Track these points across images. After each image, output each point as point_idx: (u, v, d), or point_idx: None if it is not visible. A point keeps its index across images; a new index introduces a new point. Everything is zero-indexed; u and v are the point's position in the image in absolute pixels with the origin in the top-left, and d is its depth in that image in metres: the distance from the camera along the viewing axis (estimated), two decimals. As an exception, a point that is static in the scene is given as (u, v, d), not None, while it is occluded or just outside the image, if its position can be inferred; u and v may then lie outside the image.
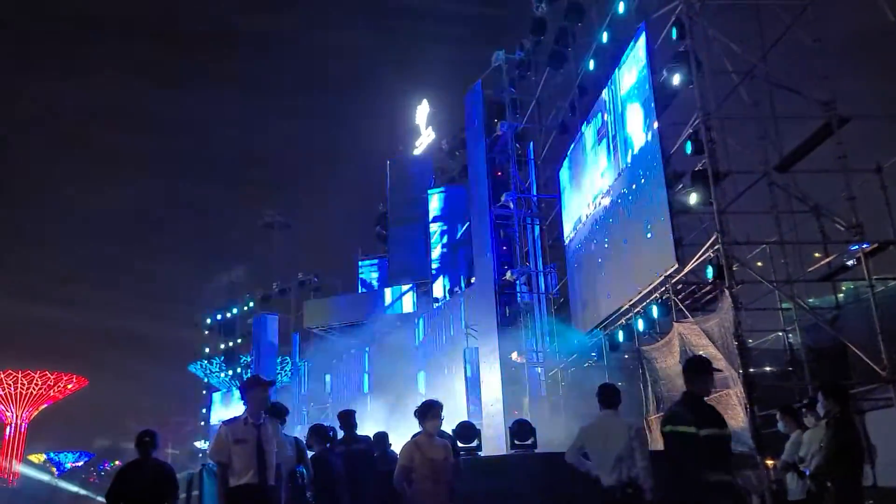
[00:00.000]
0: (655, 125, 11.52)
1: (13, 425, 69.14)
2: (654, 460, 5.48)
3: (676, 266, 10.85)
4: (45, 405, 71.85)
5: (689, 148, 10.66)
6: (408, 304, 29.46)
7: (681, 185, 11.12)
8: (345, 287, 33.61)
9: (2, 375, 67.82)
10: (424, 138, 30.92)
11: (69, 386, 72.52)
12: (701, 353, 10.08)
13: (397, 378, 21.29)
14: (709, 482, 4.08)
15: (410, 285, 29.26)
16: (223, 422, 5.24)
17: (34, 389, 69.61)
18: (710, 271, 9.85)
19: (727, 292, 9.53)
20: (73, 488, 61.46)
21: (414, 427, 6.67)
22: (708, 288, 11.13)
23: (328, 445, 7.24)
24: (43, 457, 72.32)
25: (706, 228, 11.01)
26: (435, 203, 28.78)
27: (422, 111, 31.20)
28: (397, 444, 8.06)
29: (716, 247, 10.03)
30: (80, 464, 72.66)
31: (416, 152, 31.28)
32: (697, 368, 4.59)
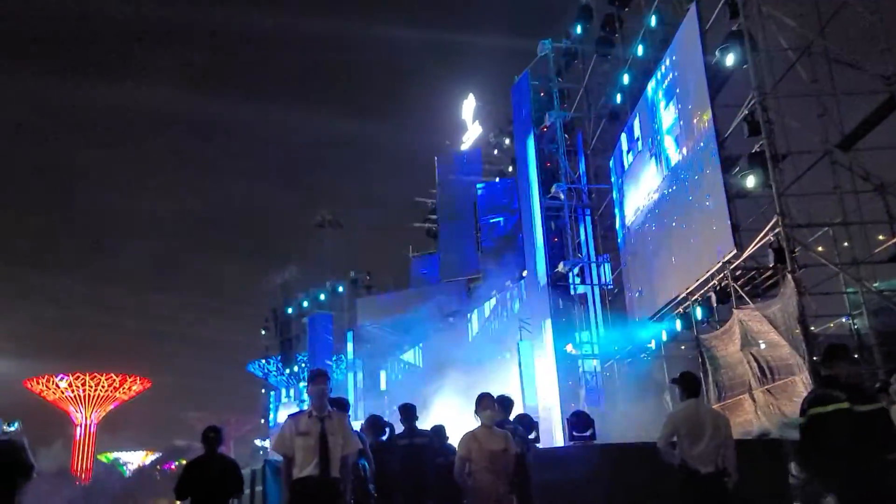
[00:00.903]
0: (709, 107, 11.24)
1: (83, 426, 71.67)
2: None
3: (735, 251, 10.58)
4: (112, 406, 74.29)
5: (745, 129, 10.36)
6: (459, 299, 29.49)
7: (737, 168, 10.82)
8: (396, 284, 33.82)
9: (71, 378, 70.35)
10: (471, 132, 30.85)
11: (134, 387, 74.81)
12: (763, 339, 9.83)
13: (451, 373, 21.30)
14: (886, 460, 4.01)
15: (462, 279, 29.27)
16: (289, 415, 5.35)
17: (101, 391, 72.02)
18: (771, 256, 9.57)
19: (789, 277, 9.24)
20: (141, 486, 63.45)
21: (468, 420, 6.67)
22: (768, 273, 10.81)
23: (383, 438, 7.28)
24: (112, 456, 74.76)
25: (765, 212, 10.70)
26: (484, 197, 28.73)
27: (468, 105, 31.14)
28: (453, 438, 8.09)
29: (776, 230, 9.74)
30: (147, 463, 74.83)
31: (464, 147, 31.24)
32: (836, 354, 4.60)
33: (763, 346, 9.82)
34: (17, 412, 6.31)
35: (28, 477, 5.47)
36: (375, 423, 7.34)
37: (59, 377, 70.07)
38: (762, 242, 10.23)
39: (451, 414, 14.55)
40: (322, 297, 35.59)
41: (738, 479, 5.48)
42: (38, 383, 68.79)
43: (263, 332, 42.68)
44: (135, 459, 75.03)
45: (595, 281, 18.28)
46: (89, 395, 71.75)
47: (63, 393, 70.41)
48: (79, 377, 70.93)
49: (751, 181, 10.24)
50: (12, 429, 6.32)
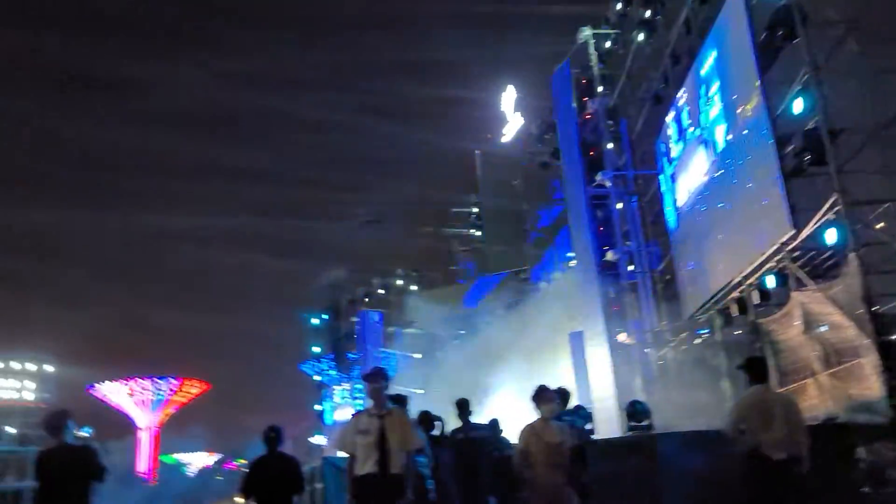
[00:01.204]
0: (759, 85, 10.93)
1: (146, 429, 73.71)
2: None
3: (793, 232, 10.28)
4: (173, 409, 76.24)
5: (797, 107, 10.05)
6: (507, 292, 29.42)
7: (791, 147, 10.49)
8: (443, 279, 33.95)
9: (133, 383, 72.43)
10: (512, 124, 30.66)
11: (193, 390, 76.63)
12: (825, 322, 9.55)
13: (502, 367, 21.24)
14: None
15: (508, 273, 29.21)
16: (352, 414, 5.46)
17: (163, 395, 73.97)
18: (831, 235, 9.27)
19: (852, 256, 8.94)
20: (204, 486, 65.00)
21: (521, 413, 6.64)
22: (828, 253, 10.47)
23: (434, 433, 7.30)
24: (175, 457, 76.77)
25: (822, 191, 10.36)
26: (527, 188, 28.57)
27: (508, 97, 30.94)
28: (507, 431, 8.06)
29: (836, 208, 9.43)
30: (210, 464, 76.66)
31: (505, 139, 31.07)
32: None
33: (826, 328, 9.53)
34: (83, 417, 6.52)
35: (102, 479, 5.67)
36: (425, 419, 7.37)
37: (121, 382, 72.19)
38: (822, 222, 9.91)
39: (504, 407, 14.51)
40: (371, 295, 35.91)
41: (810, 465, 5.35)
42: (101, 388, 70.94)
43: (314, 332, 43.24)
44: (196, 460, 76.97)
45: (645, 268, 18.02)
46: (150, 398, 73.73)
47: (126, 397, 72.50)
48: (139, 382, 72.97)
49: (806, 159, 9.93)
50: (86, 434, 6.57)
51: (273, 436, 6.59)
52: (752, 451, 5.44)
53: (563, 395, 7.29)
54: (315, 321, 42.28)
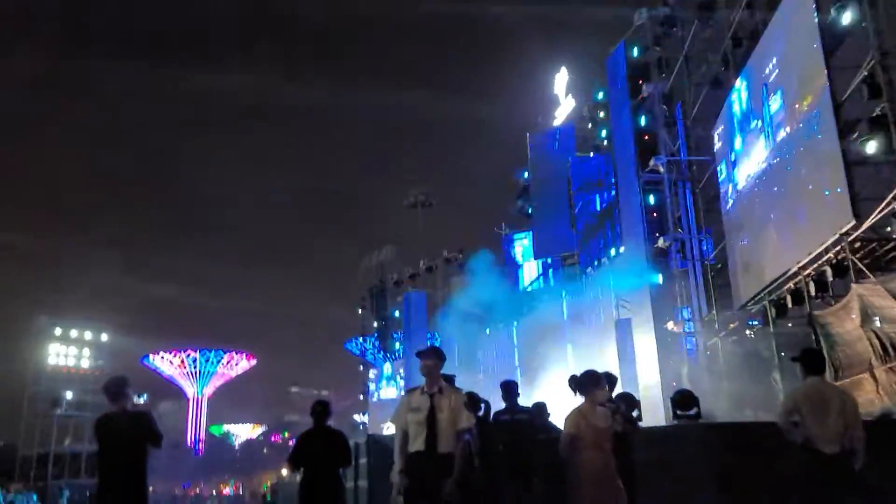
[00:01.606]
0: (824, 70, 10.56)
1: (194, 400, 75.76)
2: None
3: (854, 222, 9.95)
4: (222, 382, 78.16)
5: (863, 93, 9.69)
6: (554, 276, 29.23)
7: (856, 134, 10.13)
8: (490, 262, 33.79)
9: (183, 355, 74.47)
10: (564, 107, 30.30)
11: (241, 363, 78.38)
12: (885, 316, 9.26)
13: (546, 351, 21.17)
14: None
15: (557, 258, 28.98)
16: (406, 390, 5.48)
17: (210, 367, 75.87)
18: (895, 225, 8.95)
19: (916, 247, 8.63)
20: (250, 457, 66.66)
21: (566, 398, 6.59)
22: (891, 245, 10.12)
23: (479, 414, 7.31)
24: (223, 429, 78.79)
25: (886, 179, 10.00)
26: (578, 173, 28.23)
27: (560, 79, 30.57)
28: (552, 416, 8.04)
29: (901, 198, 9.10)
30: (255, 436, 78.45)
31: (557, 122, 30.73)
32: None
33: (885, 322, 9.23)
34: (137, 386, 6.72)
35: (158, 445, 5.85)
36: (471, 400, 7.37)
37: (172, 353, 74.24)
38: (885, 212, 9.57)
39: (548, 391, 14.48)
40: (417, 276, 36.04)
41: (866, 461, 5.20)
42: (153, 359, 73.07)
43: (360, 311, 43.69)
44: (243, 432, 78.82)
45: (697, 256, 17.70)
46: (199, 371, 75.67)
47: (176, 368, 74.55)
48: (190, 353, 74.92)
49: (871, 147, 9.58)
50: (141, 400, 6.77)
51: (320, 410, 6.70)
52: (804, 444, 5.32)
53: (610, 380, 7.21)
54: (361, 301, 42.71)
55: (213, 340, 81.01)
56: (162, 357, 73.69)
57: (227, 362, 77.01)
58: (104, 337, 47.28)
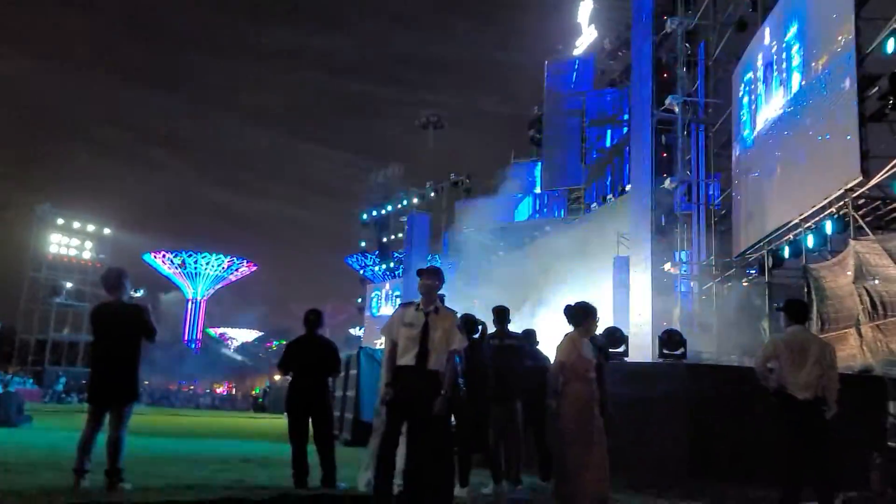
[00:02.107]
0: (852, 18, 10.28)
1: (193, 300, 76.87)
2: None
3: (861, 179, 9.90)
4: (221, 286, 79.11)
5: (889, 46, 9.46)
6: (559, 208, 29.23)
7: (875, 89, 9.96)
8: (496, 189, 33.73)
9: (184, 255, 75.12)
10: (586, 37, 29.64)
11: (240, 269, 79.12)
12: (879, 274, 9.34)
13: (545, 281, 21.39)
14: None
15: (563, 189, 28.91)
16: (400, 304, 5.54)
17: (210, 270, 76.62)
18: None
19: (919, 209, 8.62)
20: (244, 359, 68.18)
21: (560, 328, 6.70)
22: (895, 205, 10.11)
23: (475, 336, 7.42)
24: (220, 331, 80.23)
25: (899, 138, 9.90)
26: (593, 106, 27.84)
27: (585, 7, 29.79)
28: (543, 343, 8.19)
29: (910, 159, 9.03)
30: (251, 340, 79.90)
31: (577, 52, 30.12)
32: None
33: (879, 281, 9.32)
34: (137, 281, 6.78)
35: (151, 338, 5.94)
36: (468, 321, 7.48)
37: (174, 253, 74.87)
38: (893, 171, 9.51)
39: (542, 321, 14.72)
40: (422, 197, 35.99)
41: (836, 410, 5.37)
42: (155, 257, 73.76)
43: (363, 227, 43.82)
44: (239, 336, 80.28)
45: (702, 200, 17.66)
46: (199, 272, 76.47)
47: (177, 268, 75.35)
48: (191, 255, 75.58)
49: (890, 103, 9.43)
50: (138, 294, 6.85)
51: (313, 318, 6.79)
52: (778, 390, 5.48)
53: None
54: (365, 217, 42.77)
55: (216, 244, 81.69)
56: (164, 255, 74.34)
57: (228, 266, 77.73)
58: (107, 231, 47.59)
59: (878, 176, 9.89)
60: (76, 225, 46.22)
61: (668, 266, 16.73)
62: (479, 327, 7.40)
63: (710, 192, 17.74)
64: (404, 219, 36.88)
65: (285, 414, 6.81)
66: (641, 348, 14.36)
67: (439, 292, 5.59)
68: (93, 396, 5.86)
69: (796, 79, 12.43)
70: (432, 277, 5.39)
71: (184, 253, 75.34)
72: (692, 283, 17.01)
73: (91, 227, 46.88)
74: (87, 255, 46.47)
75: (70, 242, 46.02)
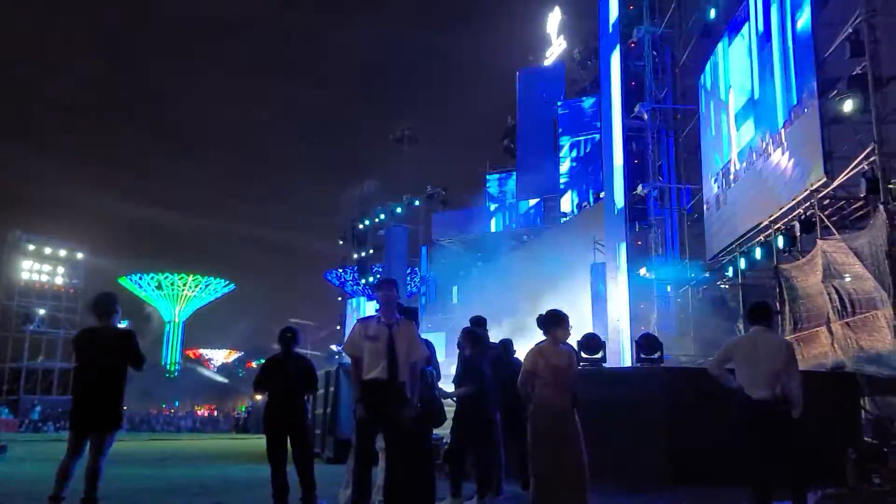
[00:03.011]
0: (810, 25, 10.53)
1: (171, 323, 76.14)
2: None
3: (824, 179, 10.10)
4: (199, 306, 78.43)
5: (846, 50, 9.70)
6: (535, 217, 29.38)
7: (835, 92, 10.20)
8: (472, 200, 33.89)
9: (161, 277, 74.43)
10: (555, 48, 29.97)
11: (218, 289, 78.55)
12: (847, 272, 9.52)
13: (523, 290, 21.50)
14: None
15: (538, 199, 29.09)
16: (359, 319, 5.52)
17: (188, 291, 75.99)
18: (863, 185, 9.11)
19: (881, 208, 8.81)
20: (224, 380, 67.52)
21: (538, 337, 6.76)
22: (858, 204, 10.32)
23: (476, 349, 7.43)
24: (199, 352, 79.48)
25: (861, 139, 10.12)
26: (565, 115, 28.10)
27: (553, 19, 30.14)
28: (521, 353, 8.24)
29: (871, 158, 9.23)
30: (230, 360, 79.26)
31: (547, 62, 30.44)
32: None
33: (847, 278, 9.49)
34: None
35: (139, 367, 5.89)
36: (470, 335, 7.45)
37: (149, 275, 74.15)
38: (855, 171, 9.73)
39: (520, 329, 14.77)
40: (399, 210, 35.99)
41: (801, 408, 5.36)
42: (131, 280, 73.00)
43: (341, 243, 43.71)
44: (219, 357, 79.58)
45: (674, 205, 17.87)
46: (177, 294, 75.79)
47: (153, 290, 74.61)
48: (167, 277, 74.90)
49: (848, 105, 9.63)
50: (124, 325, 6.72)
51: (289, 336, 6.71)
52: (738, 390, 5.52)
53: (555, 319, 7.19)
54: (342, 232, 42.67)
55: (193, 265, 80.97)
56: (140, 278, 73.62)
57: (205, 287, 77.13)
58: (79, 255, 46.97)
59: (841, 176, 10.11)
60: (48, 251, 45.53)
61: (643, 271, 16.89)
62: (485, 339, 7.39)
63: (682, 197, 17.96)
64: (382, 233, 36.84)
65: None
66: (620, 353, 14.50)
67: (408, 306, 5.64)
68: (75, 423, 5.72)
69: (761, 83, 12.67)
70: (391, 288, 5.44)
71: (160, 275, 74.63)
72: (668, 288, 17.17)
73: (63, 252, 46.21)
74: (59, 280, 45.77)
75: (42, 268, 45.28)
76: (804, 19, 10.76)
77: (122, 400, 5.85)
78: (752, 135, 13.10)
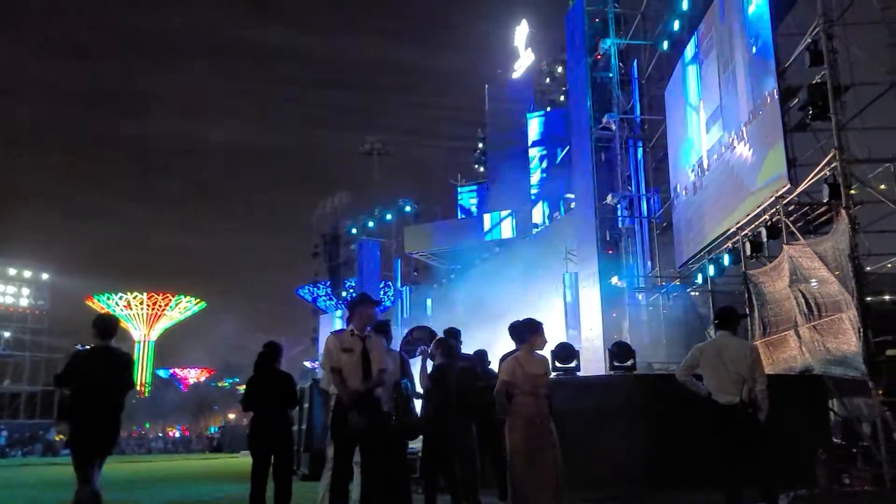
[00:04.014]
0: (770, 34, 10.77)
1: (142, 343, 75.03)
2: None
3: (788, 186, 10.31)
4: (169, 325, 77.38)
5: (806, 59, 9.94)
6: (507, 229, 29.53)
7: (796, 100, 10.44)
8: (444, 213, 33.99)
9: (129, 297, 73.35)
10: (524, 60, 30.24)
11: (189, 307, 77.63)
12: (812, 276, 9.70)
13: (496, 301, 21.56)
14: None
15: (509, 211, 29.25)
16: (332, 332, 5.55)
17: (158, 310, 74.98)
18: (826, 191, 9.32)
19: (843, 213, 9.01)
20: (199, 400, 66.55)
21: (510, 346, 6.79)
22: (822, 209, 10.54)
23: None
24: (169, 372, 78.31)
25: (824, 146, 10.35)
26: (535, 127, 28.36)
27: (521, 32, 30.43)
28: (496, 363, 8.26)
29: (833, 164, 9.45)
30: (202, 379, 78.19)
31: (516, 75, 30.69)
32: None
33: (813, 283, 9.67)
34: (81, 327, 6.71)
35: (133, 386, 5.98)
36: (445, 344, 7.45)
37: (118, 295, 73.07)
38: (818, 177, 9.94)
39: (494, 340, 14.81)
40: (371, 224, 35.94)
41: (767, 411, 5.44)
42: (99, 300, 71.83)
43: (313, 258, 43.44)
44: (190, 376, 78.49)
45: (644, 214, 18.10)
46: (147, 313, 74.75)
47: (123, 310, 73.47)
48: (136, 296, 73.86)
49: (810, 114, 9.88)
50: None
51: (268, 352, 6.71)
52: (706, 395, 5.60)
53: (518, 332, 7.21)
54: (314, 247, 42.42)
55: (163, 284, 79.94)
56: (108, 298, 72.48)
57: (176, 305, 76.17)
58: (45, 276, 46.13)
59: (805, 183, 10.33)
60: (12, 272, 44.65)
61: (615, 280, 17.04)
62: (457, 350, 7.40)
63: (651, 206, 18.20)
64: (354, 247, 36.73)
65: (249, 451, 6.69)
66: (594, 362, 14.57)
67: (381, 320, 5.70)
68: (83, 448, 5.57)
69: (725, 91, 12.92)
70: (371, 306, 5.52)
71: (129, 294, 73.55)
72: (639, 296, 17.34)
73: (28, 273, 45.36)
74: (24, 302, 44.89)
75: (6, 290, 44.40)
76: (763, 30, 11.02)
77: (120, 423, 5.88)
78: (718, 142, 13.35)
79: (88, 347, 5.92)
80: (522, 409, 5.58)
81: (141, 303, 73.99)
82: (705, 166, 13.98)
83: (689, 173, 14.88)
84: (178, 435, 55.47)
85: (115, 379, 5.71)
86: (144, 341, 75.34)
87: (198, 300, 78.18)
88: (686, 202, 15.31)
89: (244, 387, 7.07)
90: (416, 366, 7.17)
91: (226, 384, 70.45)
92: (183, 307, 77.00)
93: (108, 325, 5.93)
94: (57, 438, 30.81)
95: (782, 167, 10.33)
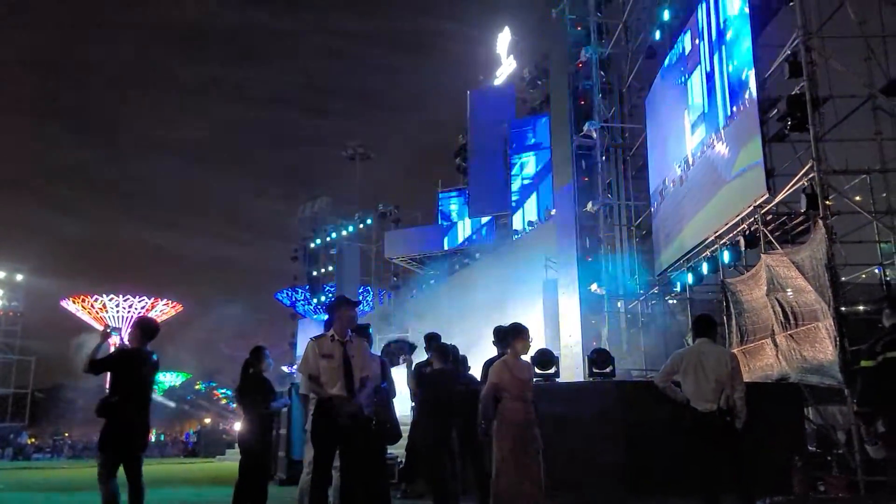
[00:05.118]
0: (749, 44, 10.90)
1: (118, 346, 73.97)
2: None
3: (767, 196, 10.43)
4: (145, 328, 76.32)
5: (785, 71, 10.08)
6: (487, 235, 29.59)
7: (775, 111, 10.58)
8: (424, 218, 33.99)
9: (105, 300, 72.29)
10: (506, 67, 30.38)
11: (165, 310, 76.65)
12: (789, 285, 9.81)
13: (475, 308, 21.56)
14: None
15: (490, 217, 29.31)
16: (311, 338, 5.47)
17: (134, 313, 73.91)
18: (803, 201, 9.44)
19: (820, 223, 9.13)
20: (173, 404, 65.76)
21: (489, 351, 6.79)
22: (799, 219, 10.69)
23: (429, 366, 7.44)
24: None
25: (802, 157, 10.50)
26: (516, 134, 28.47)
27: (503, 39, 30.57)
28: (475, 370, 8.26)
29: (810, 175, 9.58)
30: (178, 384, 77.25)
31: (497, 82, 30.81)
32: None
33: (790, 292, 9.78)
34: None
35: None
36: (442, 350, 7.49)
37: (94, 297, 72.06)
38: (795, 187, 10.07)
39: (473, 346, 14.79)
40: (351, 228, 35.83)
41: (745, 419, 5.47)
42: (74, 302, 70.80)
43: (292, 262, 43.19)
44: (166, 380, 77.51)
45: (623, 222, 18.22)
46: (123, 316, 73.72)
47: (98, 312, 72.47)
48: (113, 298, 72.88)
49: (788, 125, 10.01)
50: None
51: (251, 359, 6.92)
52: (685, 403, 5.61)
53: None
54: (294, 251, 42.20)
55: (139, 286, 78.99)
56: (83, 300, 71.47)
57: (151, 308, 75.24)
58: (19, 276, 45.42)
59: (783, 192, 10.46)
60: (-17, 273, 43.97)
61: (594, 287, 17.11)
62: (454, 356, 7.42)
63: (631, 213, 18.32)
64: (334, 251, 36.59)
65: (241, 453, 6.82)
66: (573, 368, 14.60)
67: (362, 323, 5.67)
68: (119, 446, 5.71)
69: (704, 102, 13.05)
70: (351, 308, 5.47)
71: (105, 296, 72.56)
72: (618, 303, 17.43)
73: (1, 274, 44.65)
74: (-2, 303, 44.21)
75: (-22, 291, 43.72)
76: (743, 43, 11.15)
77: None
78: (696, 153, 13.48)
79: (133, 348, 6.02)
80: (511, 415, 5.58)
81: (117, 306, 72.97)
82: (690, 163, 14.06)
83: (676, 168, 14.89)
84: (153, 439, 54.79)
85: (152, 381, 6.04)
86: (119, 345, 74.39)
87: (175, 304, 77.27)
88: (668, 201, 15.33)
89: (226, 390, 7.15)
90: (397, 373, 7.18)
91: (201, 387, 69.69)
92: (159, 310, 76.05)
93: (153, 329, 6.13)
94: (28, 442, 30.29)
95: (757, 157, 10.44)
